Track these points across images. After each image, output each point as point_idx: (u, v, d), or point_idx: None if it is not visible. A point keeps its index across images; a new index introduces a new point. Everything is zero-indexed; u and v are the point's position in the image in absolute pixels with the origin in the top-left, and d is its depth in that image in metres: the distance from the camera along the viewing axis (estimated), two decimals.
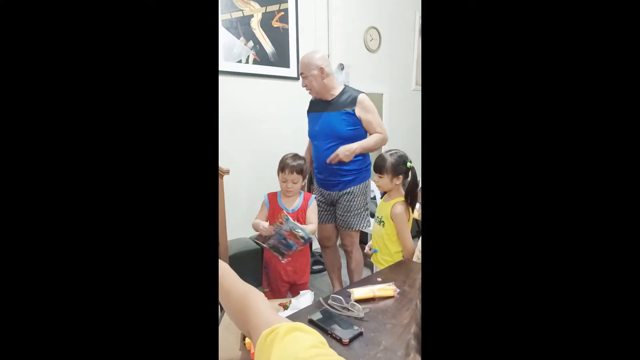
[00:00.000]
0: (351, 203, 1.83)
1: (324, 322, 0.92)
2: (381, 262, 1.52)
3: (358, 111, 1.73)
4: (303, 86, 1.79)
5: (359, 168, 1.82)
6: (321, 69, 1.71)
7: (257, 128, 2.35)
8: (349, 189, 1.82)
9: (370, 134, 1.78)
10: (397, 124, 3.24)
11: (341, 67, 2.64)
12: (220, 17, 2.11)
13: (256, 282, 2.07)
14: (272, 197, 1.71)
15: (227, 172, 1.71)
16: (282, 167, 1.63)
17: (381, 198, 1.70)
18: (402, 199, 1.46)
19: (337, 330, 0.89)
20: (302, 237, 1.50)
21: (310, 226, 1.60)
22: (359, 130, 1.77)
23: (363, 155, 1.81)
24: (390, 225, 1.48)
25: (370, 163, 1.85)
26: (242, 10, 2.18)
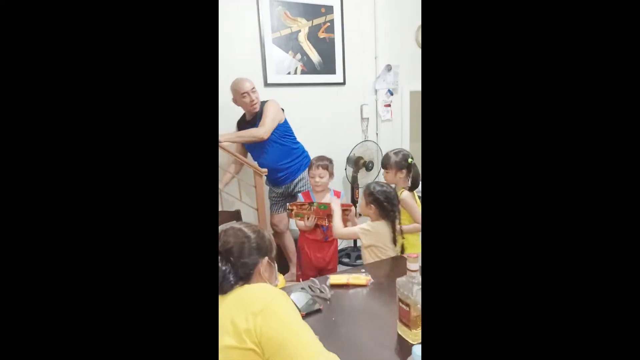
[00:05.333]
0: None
1: (295, 297, 1.13)
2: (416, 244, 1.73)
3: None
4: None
5: (294, 157, 2.11)
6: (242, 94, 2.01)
7: (308, 133, 2.57)
8: (299, 176, 2.09)
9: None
10: None
11: (388, 68, 2.71)
12: (271, 35, 2.42)
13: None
14: (306, 196, 1.96)
15: (265, 172, 2.01)
16: (310, 165, 1.88)
17: None
18: (406, 189, 1.69)
19: (300, 304, 1.09)
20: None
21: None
22: (276, 134, 2.06)
23: (293, 146, 2.13)
24: (402, 212, 1.69)
25: (304, 151, 2.17)
26: (290, 27, 2.46)
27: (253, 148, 2.13)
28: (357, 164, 2.59)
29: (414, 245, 1.73)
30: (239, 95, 2.01)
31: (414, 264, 0.89)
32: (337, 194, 1.94)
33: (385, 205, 1.49)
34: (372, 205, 1.52)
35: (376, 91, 2.76)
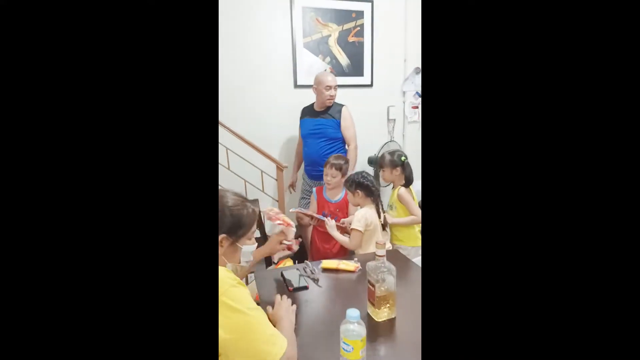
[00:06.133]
0: None
1: (288, 275, 1.29)
2: (407, 238, 1.87)
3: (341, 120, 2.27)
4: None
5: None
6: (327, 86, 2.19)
7: None
8: None
9: (345, 139, 2.28)
10: None
11: (417, 71, 2.75)
12: (302, 40, 2.59)
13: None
14: (319, 191, 2.10)
15: (287, 166, 2.19)
16: (326, 162, 2.01)
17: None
18: (402, 185, 1.86)
19: (290, 281, 1.24)
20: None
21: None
22: (335, 131, 2.28)
23: (341, 150, 2.26)
24: (400, 206, 1.85)
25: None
26: (320, 32, 2.62)
27: (307, 137, 2.33)
28: (379, 164, 2.68)
29: (414, 237, 1.83)
30: (321, 86, 2.22)
31: (381, 250, 1.00)
32: None
33: (365, 184, 1.64)
34: (357, 191, 1.65)
35: (404, 93, 2.81)
